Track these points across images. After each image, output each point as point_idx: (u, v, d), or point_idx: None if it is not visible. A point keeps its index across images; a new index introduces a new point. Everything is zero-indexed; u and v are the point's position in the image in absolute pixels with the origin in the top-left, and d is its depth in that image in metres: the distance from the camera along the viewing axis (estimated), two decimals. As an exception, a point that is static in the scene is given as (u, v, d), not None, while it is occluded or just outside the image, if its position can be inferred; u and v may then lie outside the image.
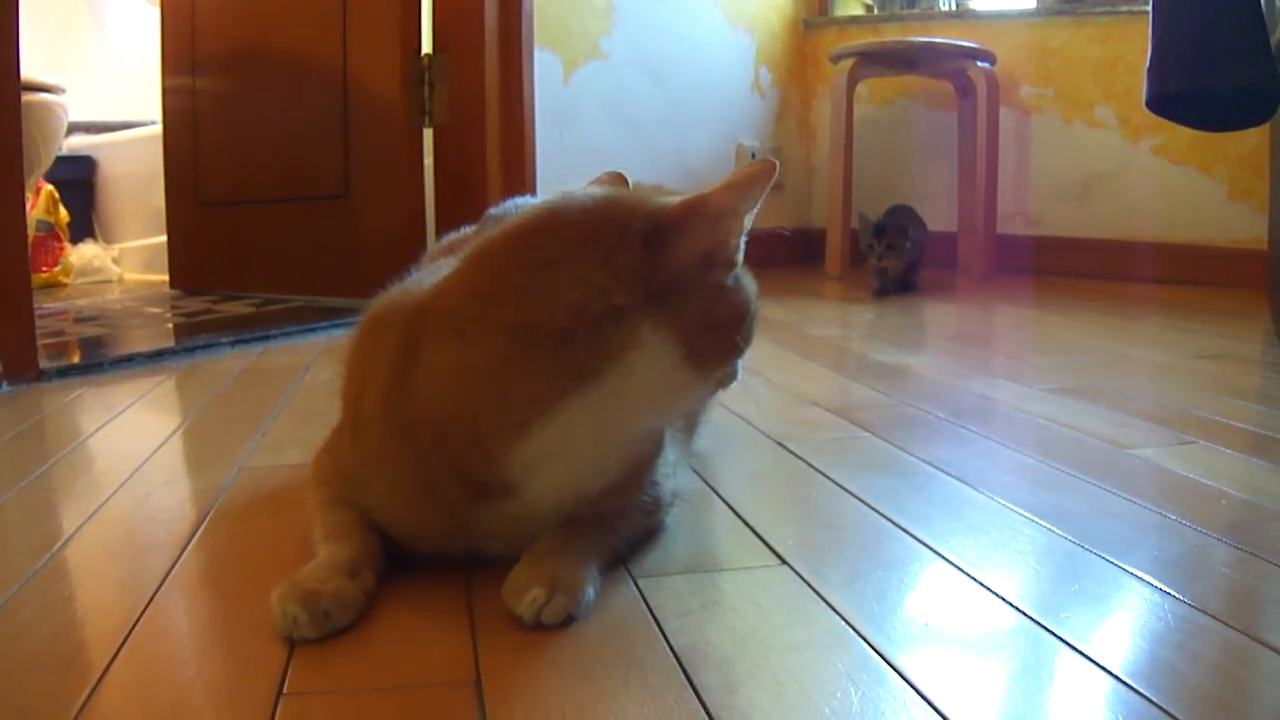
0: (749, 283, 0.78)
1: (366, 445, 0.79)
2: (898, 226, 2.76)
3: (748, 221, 0.74)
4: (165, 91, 2.87)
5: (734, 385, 0.80)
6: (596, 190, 0.78)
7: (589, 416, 0.71)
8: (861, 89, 3.30)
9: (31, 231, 3.10)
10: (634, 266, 0.70)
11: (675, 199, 0.73)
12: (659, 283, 0.71)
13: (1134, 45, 2.98)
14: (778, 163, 0.74)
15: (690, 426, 1.05)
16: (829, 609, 0.72)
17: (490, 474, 0.73)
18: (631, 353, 0.70)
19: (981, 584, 0.77)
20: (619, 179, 0.87)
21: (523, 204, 0.93)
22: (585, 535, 0.77)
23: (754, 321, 0.78)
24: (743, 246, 0.75)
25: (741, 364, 0.79)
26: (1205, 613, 0.70)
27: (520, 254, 0.74)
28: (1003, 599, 0.74)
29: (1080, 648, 0.65)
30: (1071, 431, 1.24)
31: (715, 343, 0.74)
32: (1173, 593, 0.74)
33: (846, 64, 3.13)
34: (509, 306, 0.71)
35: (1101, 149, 3.18)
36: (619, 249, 0.70)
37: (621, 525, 0.81)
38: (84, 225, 3.66)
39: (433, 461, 0.74)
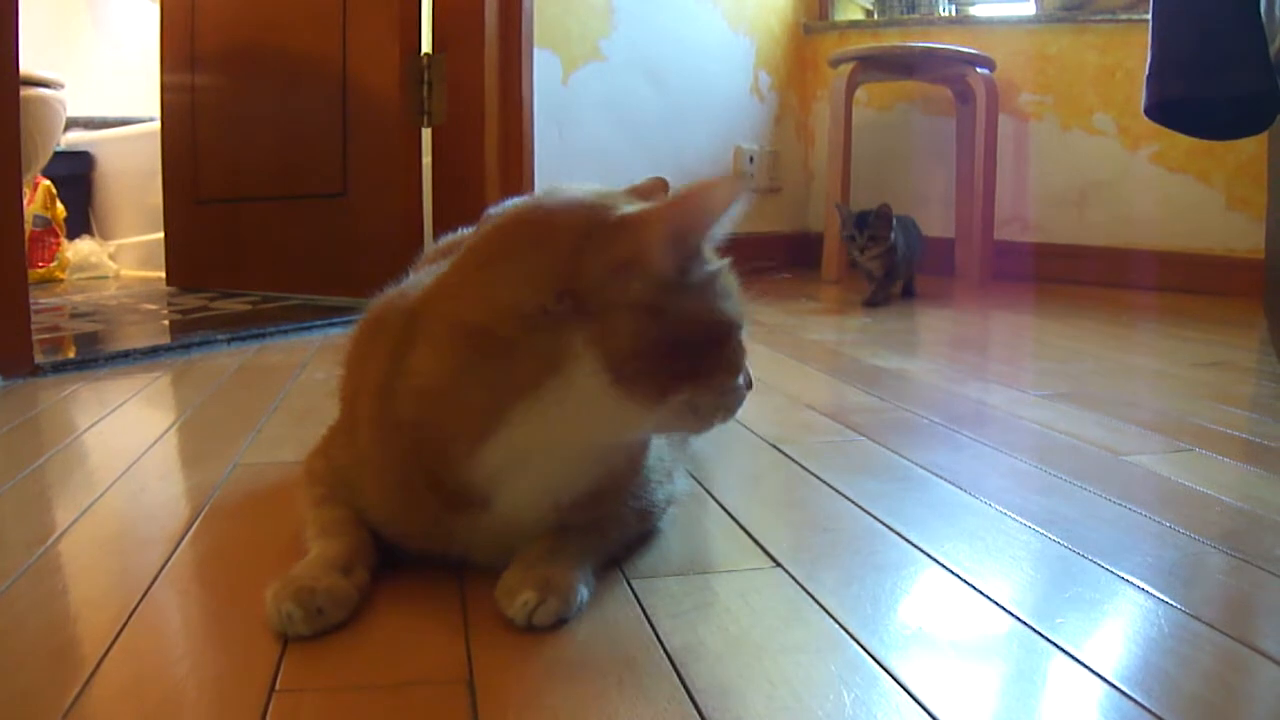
0: (718, 307, 0.72)
1: (359, 448, 0.79)
2: (882, 215, 2.57)
3: (698, 240, 0.70)
4: (164, 88, 2.86)
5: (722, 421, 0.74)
6: (578, 190, 0.76)
7: (541, 428, 0.70)
8: (860, 94, 3.31)
9: (28, 226, 3.09)
10: (562, 272, 0.68)
11: (631, 208, 0.71)
12: (587, 293, 0.68)
13: (1133, 53, 2.99)
14: (745, 180, 0.71)
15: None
16: (822, 612, 0.72)
17: (459, 484, 0.73)
18: (568, 365, 0.68)
19: (976, 589, 0.77)
20: (659, 184, 0.80)
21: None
22: (578, 538, 0.77)
23: (724, 351, 0.72)
24: (706, 264, 0.71)
25: (741, 397, 0.74)
26: (1199, 619, 0.70)
27: (476, 255, 0.74)
28: (997, 604, 0.74)
29: (1074, 653, 0.65)
30: (1067, 438, 1.25)
31: (650, 369, 0.68)
32: (1167, 599, 0.74)
33: (846, 68, 3.13)
34: (461, 310, 0.71)
35: (1100, 156, 3.18)
36: (554, 252, 0.69)
37: (615, 529, 0.81)
38: (81, 221, 3.66)
39: (412, 469, 0.74)
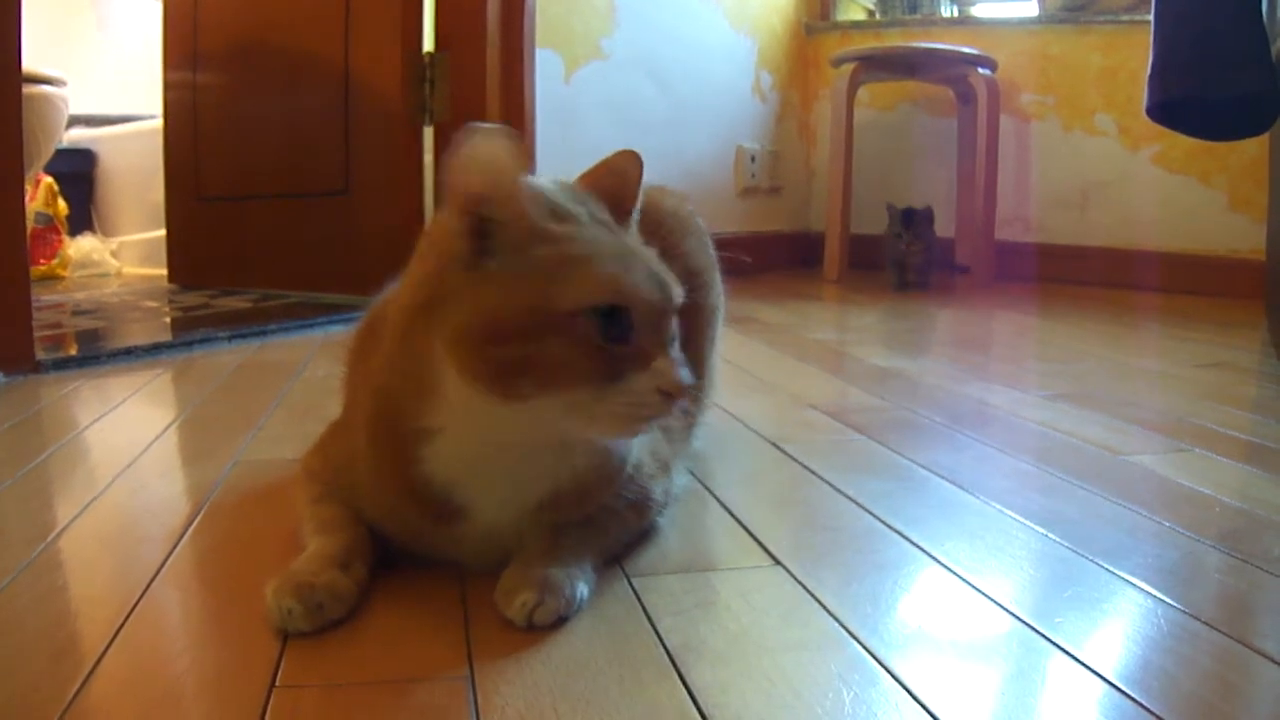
0: (557, 291, 0.64)
1: (356, 446, 0.79)
2: (925, 215, 2.93)
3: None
4: (166, 86, 2.86)
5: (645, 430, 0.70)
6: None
7: (461, 427, 0.69)
8: (862, 93, 3.31)
9: (30, 224, 3.09)
10: (419, 267, 0.70)
11: None
12: (432, 289, 0.68)
13: (1135, 54, 2.99)
14: (506, 137, 0.65)
15: (687, 427, 1.05)
16: (823, 610, 0.72)
17: (429, 492, 0.72)
18: (438, 363, 0.67)
19: (976, 588, 0.77)
20: (630, 158, 0.77)
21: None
22: (576, 536, 0.77)
23: (575, 343, 0.64)
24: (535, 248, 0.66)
25: (653, 407, 0.66)
26: (1198, 619, 0.71)
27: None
28: (997, 603, 0.74)
29: (1074, 652, 0.65)
30: (1068, 438, 1.24)
31: (476, 360, 0.65)
32: (1166, 599, 0.74)
33: (848, 68, 3.13)
34: (395, 311, 0.72)
35: (1101, 157, 3.18)
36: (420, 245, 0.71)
37: (612, 525, 0.81)
38: (83, 218, 3.66)
39: (398, 473, 0.74)
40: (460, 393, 0.67)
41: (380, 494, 0.76)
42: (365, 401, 0.77)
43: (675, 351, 0.68)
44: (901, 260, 2.98)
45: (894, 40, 3.46)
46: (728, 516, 0.94)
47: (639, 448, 0.82)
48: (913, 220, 2.93)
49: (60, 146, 3.25)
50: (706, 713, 0.58)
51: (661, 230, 0.79)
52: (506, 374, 0.65)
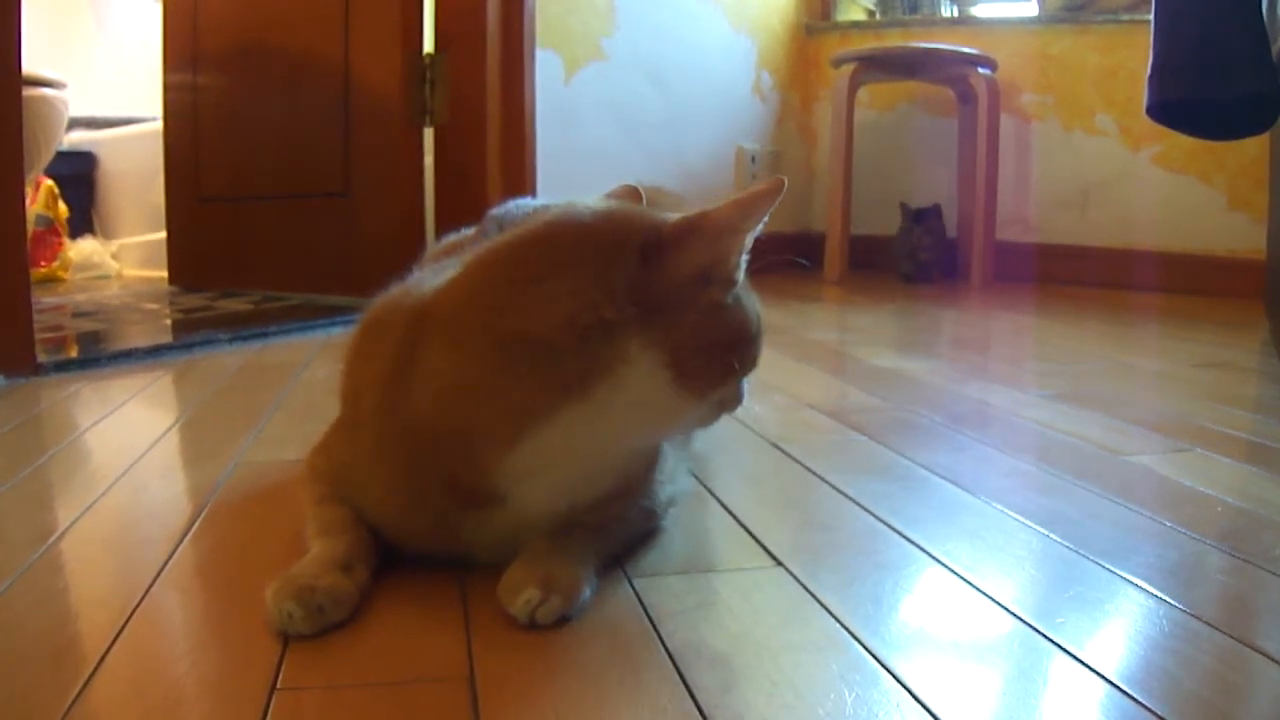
0: (751, 304, 0.76)
1: (362, 446, 0.79)
2: (935, 212, 3.15)
3: (749, 240, 0.73)
4: (166, 88, 2.87)
5: (739, 410, 0.78)
6: (602, 202, 0.78)
7: (579, 431, 0.71)
8: (862, 94, 3.31)
9: (31, 226, 3.09)
10: (627, 281, 0.69)
11: (676, 214, 0.73)
12: (652, 299, 0.70)
13: (1135, 54, 2.99)
14: (786, 180, 0.72)
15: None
16: (824, 611, 0.72)
17: (479, 482, 0.73)
18: (620, 368, 0.69)
19: (977, 588, 0.77)
20: (633, 193, 0.85)
21: (524, 205, 0.93)
22: (581, 537, 0.77)
23: (757, 345, 0.76)
24: (743, 265, 0.74)
25: (748, 388, 0.78)
26: (1200, 619, 0.71)
27: (517, 265, 0.74)
28: (998, 604, 0.74)
29: (1075, 653, 0.65)
30: (1069, 437, 1.24)
31: (708, 364, 0.72)
32: (1168, 599, 0.74)
33: (848, 69, 3.13)
34: (502, 317, 0.71)
35: (1101, 157, 3.18)
36: (614, 263, 0.70)
37: (618, 528, 0.81)
38: (83, 220, 3.66)
39: (424, 467, 0.74)
40: (618, 395, 0.69)
41: (398, 488, 0.76)
42: (376, 401, 0.76)
43: None
44: (912, 253, 3.15)
45: (894, 40, 3.46)
46: (729, 517, 0.94)
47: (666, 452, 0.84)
48: (924, 216, 3.14)
49: (60, 149, 3.25)
50: (708, 713, 0.58)
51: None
52: (726, 372, 0.73)
